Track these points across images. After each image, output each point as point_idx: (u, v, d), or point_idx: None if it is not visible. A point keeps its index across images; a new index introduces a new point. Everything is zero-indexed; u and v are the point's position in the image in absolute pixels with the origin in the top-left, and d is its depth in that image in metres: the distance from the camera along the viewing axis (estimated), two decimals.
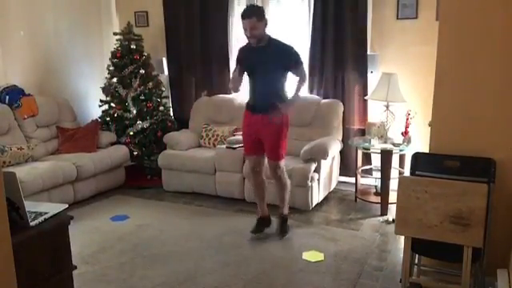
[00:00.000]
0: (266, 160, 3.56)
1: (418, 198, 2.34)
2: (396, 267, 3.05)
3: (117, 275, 3.04)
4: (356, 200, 4.39)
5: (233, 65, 5.17)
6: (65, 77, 5.26)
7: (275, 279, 2.96)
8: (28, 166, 4.14)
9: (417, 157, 2.70)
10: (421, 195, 2.33)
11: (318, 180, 4.14)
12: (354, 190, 4.49)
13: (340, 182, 4.78)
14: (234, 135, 4.68)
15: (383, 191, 4.06)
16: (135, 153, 5.04)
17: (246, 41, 3.48)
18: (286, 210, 3.72)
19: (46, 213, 1.92)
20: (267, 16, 3.32)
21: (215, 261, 3.22)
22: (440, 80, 2.63)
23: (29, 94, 4.62)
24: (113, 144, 4.98)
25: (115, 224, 3.94)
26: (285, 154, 3.56)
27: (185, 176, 4.63)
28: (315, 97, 4.67)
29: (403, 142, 4.10)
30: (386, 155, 4.00)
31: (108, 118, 5.11)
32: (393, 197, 3.77)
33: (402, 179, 2.52)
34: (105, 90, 5.15)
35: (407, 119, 4.14)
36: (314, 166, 4.06)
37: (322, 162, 4.12)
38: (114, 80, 5.02)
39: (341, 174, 4.77)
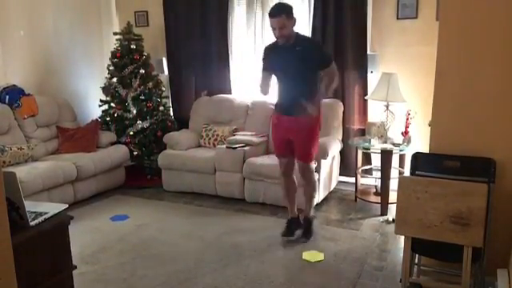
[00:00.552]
0: (297, 161, 3.48)
1: (418, 198, 2.34)
2: (396, 267, 3.05)
3: (117, 275, 3.04)
4: (356, 200, 4.39)
5: (233, 65, 5.19)
6: (65, 77, 5.26)
7: (275, 279, 2.96)
8: (28, 165, 4.14)
9: (417, 157, 2.70)
10: (421, 195, 2.33)
11: (318, 180, 4.14)
12: (354, 189, 4.49)
13: (340, 182, 4.78)
14: (234, 135, 4.68)
15: (383, 191, 4.06)
16: (135, 153, 5.04)
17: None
18: (312, 212, 3.67)
19: (46, 213, 1.92)
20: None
21: (215, 261, 3.22)
22: (440, 80, 2.63)
23: (29, 94, 4.62)
24: (113, 144, 4.99)
25: (115, 224, 3.94)
26: (315, 155, 3.50)
27: (185, 176, 4.63)
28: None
29: (403, 141, 4.10)
30: (386, 155, 4.00)
31: (108, 118, 5.12)
32: (393, 197, 3.77)
33: (401, 179, 2.52)
34: (105, 89, 5.15)
35: (407, 119, 4.14)
36: (313, 165, 4.05)
37: (322, 161, 4.12)
38: (114, 80, 5.03)
39: (341, 174, 4.77)
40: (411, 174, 2.68)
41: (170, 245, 3.50)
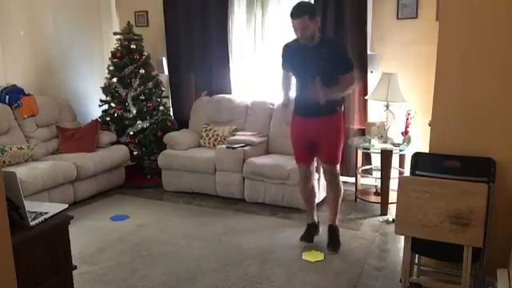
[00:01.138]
0: (321, 164, 3.41)
1: (418, 198, 2.34)
2: (396, 267, 3.05)
3: (117, 275, 3.04)
4: (356, 200, 4.39)
5: (233, 65, 5.19)
6: (65, 77, 5.26)
7: (275, 279, 2.96)
8: (28, 165, 4.14)
9: (417, 157, 2.69)
10: (421, 195, 2.33)
11: (318, 180, 4.14)
12: (354, 189, 4.49)
13: None
14: (234, 135, 4.68)
15: (383, 191, 4.06)
16: (135, 153, 5.04)
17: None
18: (336, 220, 3.47)
19: (46, 213, 1.92)
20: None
21: (215, 261, 3.22)
22: (440, 80, 2.63)
23: (29, 94, 4.62)
24: (113, 144, 4.99)
25: (115, 224, 3.94)
26: (340, 158, 3.38)
27: (185, 176, 4.63)
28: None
29: (403, 141, 4.10)
30: (386, 155, 4.00)
31: (108, 118, 5.12)
32: (393, 197, 3.77)
33: (402, 179, 2.52)
34: (105, 89, 5.15)
35: (407, 119, 4.14)
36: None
37: None
38: (114, 80, 5.03)
39: (341, 174, 4.75)
40: (411, 173, 2.68)
41: (170, 245, 3.50)
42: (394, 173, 4.16)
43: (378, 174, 4.25)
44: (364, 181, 4.60)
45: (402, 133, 4.14)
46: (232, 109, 4.96)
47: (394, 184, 3.63)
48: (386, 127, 4.17)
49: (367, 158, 4.62)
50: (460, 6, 2.53)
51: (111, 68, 5.09)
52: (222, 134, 4.82)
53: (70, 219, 2.00)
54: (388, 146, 4.05)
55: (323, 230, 3.55)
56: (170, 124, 5.26)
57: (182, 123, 5.32)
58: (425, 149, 2.86)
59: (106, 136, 4.96)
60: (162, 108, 5.24)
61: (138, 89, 5.01)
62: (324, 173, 3.46)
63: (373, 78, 4.48)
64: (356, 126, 4.68)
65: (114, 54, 5.08)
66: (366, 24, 4.43)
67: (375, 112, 4.50)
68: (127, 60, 5.00)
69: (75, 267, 2.07)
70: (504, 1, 2.42)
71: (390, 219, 3.89)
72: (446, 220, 2.28)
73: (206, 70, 5.28)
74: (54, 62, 5.13)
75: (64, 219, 1.98)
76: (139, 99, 5.03)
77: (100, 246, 3.49)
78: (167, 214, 4.15)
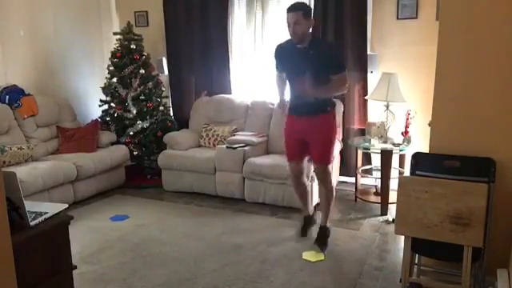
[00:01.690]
0: (313, 164, 3.44)
1: (418, 197, 2.34)
2: (396, 267, 3.05)
3: (117, 275, 3.04)
4: (356, 200, 4.39)
5: (233, 65, 5.20)
6: (65, 77, 5.26)
7: (275, 279, 2.96)
8: (28, 165, 4.13)
9: (417, 157, 2.70)
10: (421, 195, 2.33)
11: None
12: (354, 189, 4.49)
13: (340, 182, 4.77)
14: (234, 135, 4.68)
15: (383, 191, 4.06)
16: (135, 153, 5.04)
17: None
18: (328, 221, 3.50)
19: (45, 213, 1.92)
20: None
21: (215, 261, 3.22)
22: (440, 80, 2.63)
23: (29, 94, 4.62)
24: (113, 144, 4.99)
25: (115, 224, 3.94)
26: (333, 157, 3.43)
27: (185, 176, 4.63)
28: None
29: (403, 141, 4.10)
30: (386, 155, 4.00)
31: (108, 118, 5.12)
32: (393, 197, 3.77)
33: (402, 179, 2.52)
34: (105, 89, 5.15)
35: (407, 119, 4.14)
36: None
37: None
38: (114, 80, 5.02)
39: (341, 174, 4.77)
40: (411, 173, 2.68)
41: (170, 245, 3.50)
42: (394, 173, 4.16)
43: (378, 174, 4.25)
44: (364, 181, 4.60)
45: (402, 133, 4.14)
46: (232, 109, 4.96)
47: (394, 184, 3.63)
48: (386, 127, 4.17)
49: (367, 158, 4.62)
50: (460, 6, 2.53)
51: (111, 68, 5.08)
52: (222, 134, 4.82)
53: (70, 219, 2.00)
54: (388, 146, 4.05)
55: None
56: (170, 124, 5.26)
57: (182, 123, 5.32)
58: (425, 149, 2.86)
59: (106, 136, 4.96)
60: (161, 108, 5.24)
61: (138, 89, 5.01)
62: (315, 172, 3.48)
63: (373, 78, 4.48)
64: (356, 125, 4.69)
65: (113, 54, 5.08)
66: (366, 24, 4.43)
67: (375, 112, 4.50)
68: (127, 60, 5.00)
69: (75, 267, 2.07)
70: (504, 0, 2.42)
71: (390, 219, 3.89)
72: (445, 220, 2.28)
73: (205, 70, 5.28)
74: (53, 62, 5.13)
75: (64, 219, 1.98)
76: (139, 99, 5.03)
77: (100, 245, 3.49)
78: (167, 214, 4.15)
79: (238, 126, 4.88)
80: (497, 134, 2.53)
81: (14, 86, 4.57)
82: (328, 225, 3.51)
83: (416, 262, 2.70)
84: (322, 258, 3.24)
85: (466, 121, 2.59)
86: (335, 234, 3.63)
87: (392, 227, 3.60)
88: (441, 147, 2.64)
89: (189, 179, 4.62)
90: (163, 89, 5.33)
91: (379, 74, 4.33)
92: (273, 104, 4.76)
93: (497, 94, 2.51)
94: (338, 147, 4.46)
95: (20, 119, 4.52)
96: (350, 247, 3.41)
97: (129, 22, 5.17)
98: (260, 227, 3.83)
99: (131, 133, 5.00)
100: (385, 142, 4.12)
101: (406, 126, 4.13)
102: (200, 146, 4.95)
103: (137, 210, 4.25)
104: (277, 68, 3.43)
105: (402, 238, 2.59)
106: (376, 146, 4.10)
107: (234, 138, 4.57)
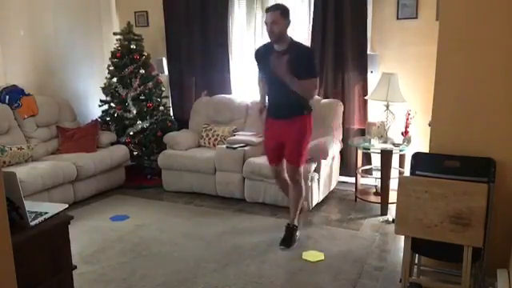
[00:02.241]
0: (285, 163, 3.46)
1: (418, 197, 2.34)
2: (396, 267, 3.05)
3: (117, 275, 3.04)
4: (356, 200, 4.39)
5: (233, 65, 5.20)
6: (65, 77, 5.26)
7: (275, 279, 2.96)
8: (28, 165, 4.14)
9: (417, 157, 2.70)
10: (421, 195, 2.33)
11: (318, 180, 4.14)
12: (354, 189, 4.49)
13: (340, 182, 4.78)
14: (234, 135, 4.68)
15: (383, 191, 4.06)
16: (135, 153, 5.04)
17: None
18: (295, 220, 3.52)
19: (45, 213, 1.92)
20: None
21: (215, 261, 3.22)
22: (440, 80, 2.63)
23: (29, 94, 4.62)
24: (113, 144, 4.99)
25: (115, 224, 3.94)
26: (305, 160, 3.47)
27: (185, 176, 4.63)
28: (315, 97, 4.66)
29: (403, 141, 4.10)
30: (386, 155, 4.00)
31: (108, 118, 5.12)
32: (393, 197, 3.77)
33: (402, 179, 2.52)
34: (105, 89, 5.15)
35: (407, 119, 4.14)
36: (313, 165, 4.06)
37: (322, 161, 4.12)
38: (114, 80, 5.03)
39: (341, 174, 4.78)
40: (411, 173, 2.68)
41: (170, 245, 3.50)
42: (394, 173, 4.16)
43: (378, 174, 4.25)
44: (364, 181, 4.60)
45: (402, 133, 4.14)
46: (232, 109, 4.96)
47: (394, 184, 3.63)
48: (386, 127, 4.17)
49: (367, 158, 4.62)
50: (460, 6, 2.53)
51: (111, 68, 5.09)
52: (222, 134, 4.82)
53: (70, 219, 2.00)
54: (388, 146, 4.05)
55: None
56: (170, 124, 5.26)
57: (182, 123, 5.32)
58: (425, 149, 2.87)
59: (106, 136, 4.96)
60: (161, 108, 5.24)
61: (138, 89, 5.01)
62: (287, 172, 3.50)
63: (373, 78, 4.48)
64: (356, 125, 4.68)
65: (114, 54, 5.08)
66: (366, 24, 4.43)
67: (375, 112, 4.50)
68: (127, 60, 5.00)
69: (75, 267, 2.07)
70: (504, 0, 2.42)
71: (390, 219, 3.89)
72: (446, 220, 2.28)
73: (205, 70, 5.28)
74: (53, 62, 5.12)
75: (64, 219, 1.98)
76: (139, 99, 5.03)
77: (100, 245, 3.49)
78: (167, 214, 4.15)
79: (238, 126, 4.88)
80: (497, 134, 2.53)
81: (14, 86, 4.57)
82: (295, 223, 3.53)
83: (416, 262, 2.70)
84: (322, 258, 3.24)
85: (465, 121, 2.59)
86: (335, 234, 3.63)
87: (392, 227, 3.60)
88: (441, 147, 2.64)
89: (189, 179, 4.62)
90: (163, 89, 5.33)
91: (379, 74, 4.33)
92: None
93: (497, 94, 2.51)
94: (338, 147, 4.48)
95: (20, 119, 4.52)
96: (350, 247, 3.41)
97: (129, 22, 5.17)
98: (260, 227, 3.83)
99: (131, 133, 5.00)
100: (385, 142, 4.12)
101: (406, 126, 4.13)
102: (200, 146, 4.95)
103: (137, 210, 4.25)
104: (259, 71, 3.50)
105: (402, 238, 2.59)
106: (376, 146, 4.10)
107: (233, 137, 4.57)
